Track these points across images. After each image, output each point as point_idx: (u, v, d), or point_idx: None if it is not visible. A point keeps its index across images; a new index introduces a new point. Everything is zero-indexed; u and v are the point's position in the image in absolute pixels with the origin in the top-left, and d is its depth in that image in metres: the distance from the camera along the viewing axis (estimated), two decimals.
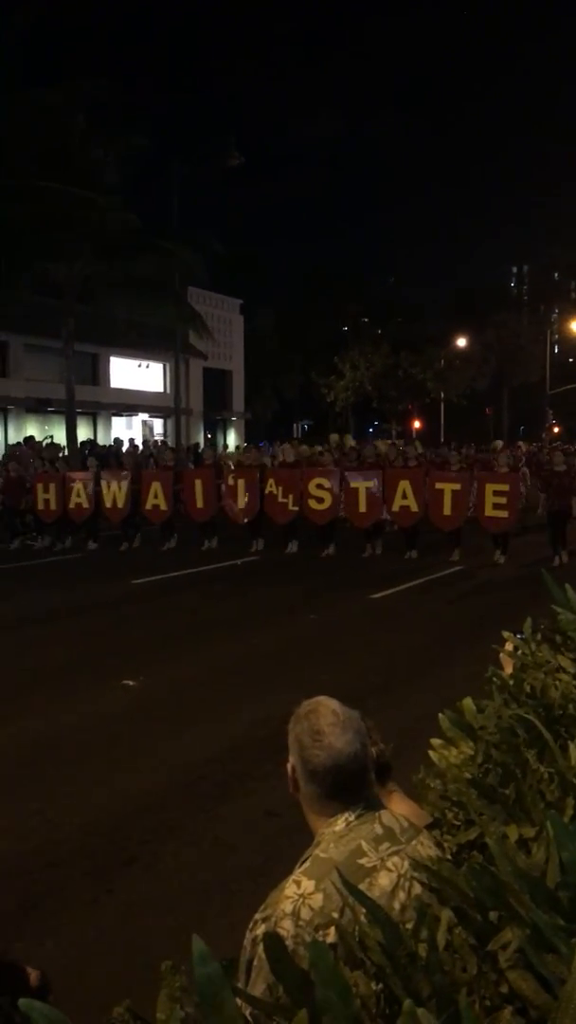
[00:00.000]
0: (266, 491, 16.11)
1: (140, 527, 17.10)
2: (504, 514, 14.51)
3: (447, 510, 14.90)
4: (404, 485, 15.32)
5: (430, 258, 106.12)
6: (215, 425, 43.58)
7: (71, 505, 16.91)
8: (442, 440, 44.59)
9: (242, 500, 16.20)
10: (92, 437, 32.53)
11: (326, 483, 15.96)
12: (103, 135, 22.67)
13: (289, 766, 2.15)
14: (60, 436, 27.63)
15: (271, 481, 16.22)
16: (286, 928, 1.91)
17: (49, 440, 25.53)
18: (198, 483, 16.65)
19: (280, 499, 16.00)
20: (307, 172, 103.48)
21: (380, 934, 1.25)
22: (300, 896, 1.94)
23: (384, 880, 1.96)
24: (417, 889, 1.96)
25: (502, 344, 53.39)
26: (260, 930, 2.01)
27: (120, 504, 16.79)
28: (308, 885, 1.95)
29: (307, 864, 2.03)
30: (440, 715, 2.40)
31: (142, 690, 7.70)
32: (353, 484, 15.70)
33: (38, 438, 26.49)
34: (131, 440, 30.60)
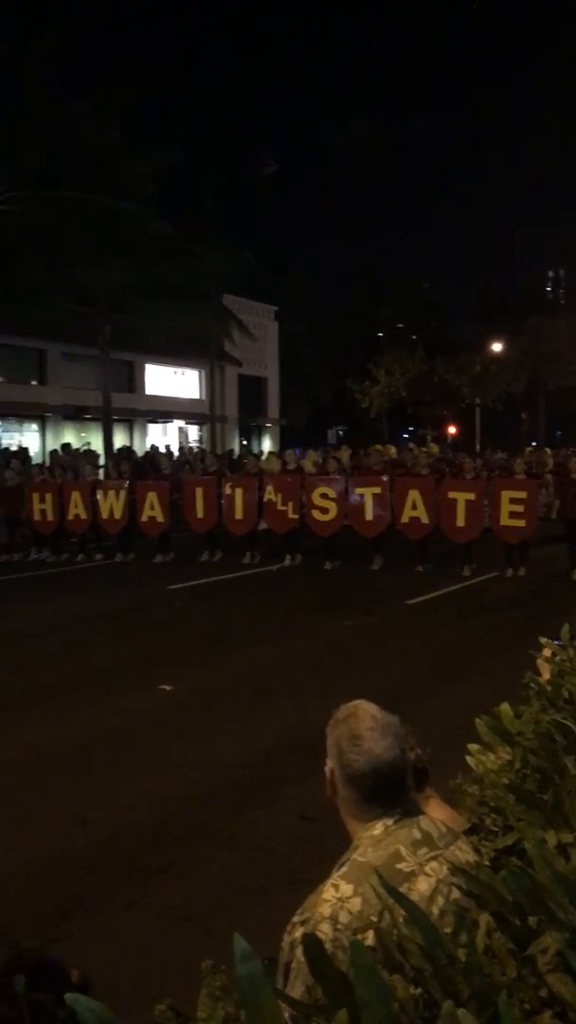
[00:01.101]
0: (265, 499, 15.33)
1: (132, 539, 16.30)
2: (521, 523, 13.57)
3: (460, 521, 13.99)
4: (414, 495, 14.36)
5: (465, 262, 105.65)
6: (250, 432, 43.71)
7: (69, 516, 16.39)
8: (478, 447, 44.34)
9: (239, 510, 15.45)
10: (128, 444, 32.77)
11: (331, 492, 15.02)
12: (138, 144, 22.88)
13: (327, 769, 2.16)
14: (97, 443, 27.87)
15: (269, 488, 15.43)
16: (324, 931, 1.92)
17: (86, 447, 25.75)
18: (199, 492, 15.93)
19: (279, 507, 15.24)
20: (340, 176, 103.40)
21: (420, 936, 1.25)
22: (338, 900, 1.95)
23: (423, 885, 1.96)
24: (455, 894, 1.96)
25: (538, 348, 52.99)
26: (298, 933, 2.02)
27: (117, 515, 16.18)
28: (346, 889, 1.96)
29: (345, 868, 2.04)
30: (477, 720, 2.40)
31: (179, 694, 7.74)
32: (359, 491, 14.83)
33: (75, 445, 26.72)
34: (167, 447, 30.81)
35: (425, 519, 14.20)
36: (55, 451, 25.44)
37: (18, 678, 8.34)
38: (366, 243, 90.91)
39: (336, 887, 1.98)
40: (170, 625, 10.89)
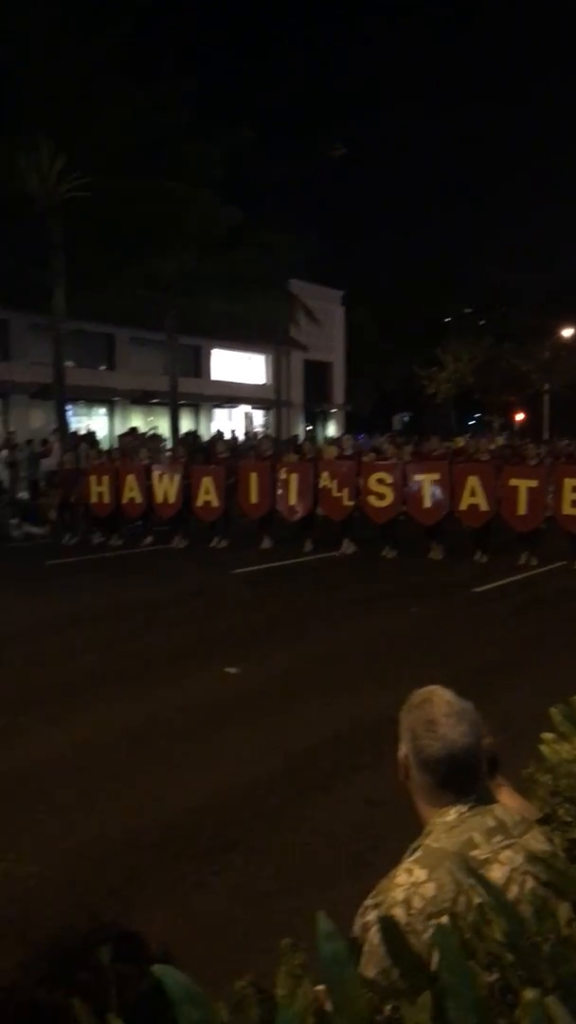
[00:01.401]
0: (320, 485, 15.06)
1: (189, 523, 16.24)
2: None
3: (522, 509, 13.53)
4: (473, 481, 13.92)
5: (534, 246, 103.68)
6: (315, 417, 43.66)
7: (124, 500, 16.27)
8: (546, 434, 43.67)
9: (294, 496, 15.21)
10: (194, 428, 33.01)
11: (388, 478, 14.65)
12: (207, 130, 22.94)
13: (400, 754, 2.15)
14: (164, 428, 28.13)
15: (325, 474, 15.15)
16: (397, 916, 1.92)
17: (153, 431, 26.01)
18: (253, 477, 15.68)
19: (335, 493, 14.93)
20: (409, 160, 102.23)
21: (503, 923, 1.25)
22: (412, 885, 1.95)
23: (497, 873, 1.96)
24: (531, 883, 1.94)
25: None
26: (371, 916, 2.03)
27: (171, 499, 16.05)
28: (420, 874, 1.96)
29: (419, 853, 2.03)
30: (552, 709, 2.38)
31: (244, 677, 7.81)
32: (416, 477, 14.47)
33: (142, 429, 27.01)
34: (232, 432, 30.98)
35: (484, 506, 13.78)
36: (122, 435, 25.78)
37: (87, 659, 8.48)
38: (434, 227, 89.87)
39: (410, 872, 1.98)
40: (234, 610, 10.97)
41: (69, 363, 23.38)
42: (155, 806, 5.11)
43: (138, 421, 30.73)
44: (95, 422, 31.61)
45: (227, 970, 1.85)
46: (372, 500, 14.62)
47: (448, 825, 2.03)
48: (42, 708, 6.92)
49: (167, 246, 22.68)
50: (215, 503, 15.72)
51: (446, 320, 52.78)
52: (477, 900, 1.91)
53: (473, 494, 13.88)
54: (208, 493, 15.74)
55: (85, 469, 17.17)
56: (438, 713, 2.09)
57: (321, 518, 15.44)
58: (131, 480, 16.30)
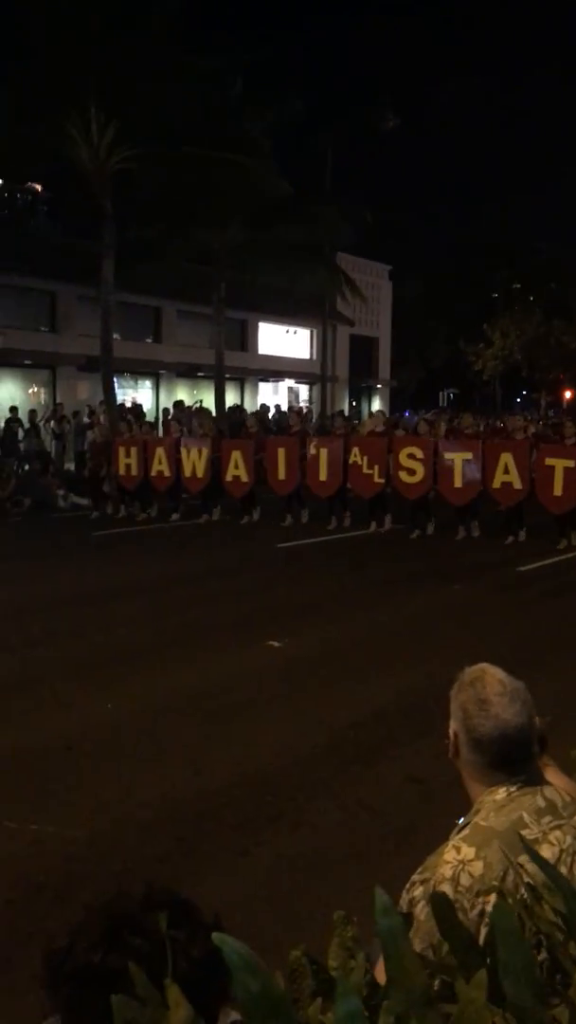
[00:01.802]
0: (350, 461, 14.76)
1: (219, 499, 16.11)
2: None
3: (558, 490, 13.02)
4: (506, 458, 13.54)
5: None
6: (360, 393, 43.45)
7: (152, 472, 16.17)
8: None
9: (324, 472, 14.97)
10: (239, 402, 33.03)
11: (419, 453, 14.30)
12: (258, 100, 22.72)
13: (451, 732, 2.15)
14: (209, 401, 28.18)
15: (355, 450, 14.82)
16: (444, 892, 1.93)
17: (199, 404, 26.07)
18: (281, 452, 15.49)
19: (366, 470, 14.63)
20: (459, 133, 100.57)
21: (560, 902, 1.24)
22: (460, 862, 1.95)
23: (546, 853, 1.95)
24: None
25: None
26: (418, 892, 2.04)
27: (200, 473, 15.86)
28: (468, 852, 1.96)
29: (467, 831, 2.03)
30: None
31: (287, 651, 7.84)
32: (448, 456, 14.08)
33: (188, 403, 27.09)
34: (278, 406, 30.93)
35: (518, 484, 13.41)
36: (167, 408, 25.88)
37: (132, 632, 8.57)
38: (485, 203, 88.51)
39: (458, 849, 1.98)
40: (275, 585, 11.00)
41: (115, 335, 23.45)
42: (198, 777, 5.16)
43: (184, 394, 30.82)
44: (141, 395, 31.75)
45: (273, 939, 1.86)
46: (403, 475, 14.36)
47: (497, 804, 2.03)
48: (87, 678, 7.02)
49: (216, 218, 22.60)
50: (244, 478, 15.58)
51: (494, 296, 52.11)
52: (526, 879, 1.91)
53: (507, 471, 13.53)
54: (237, 468, 15.60)
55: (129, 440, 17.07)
56: (490, 692, 2.09)
57: (353, 495, 15.26)
58: (160, 453, 16.17)
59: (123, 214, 21.27)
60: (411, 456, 14.33)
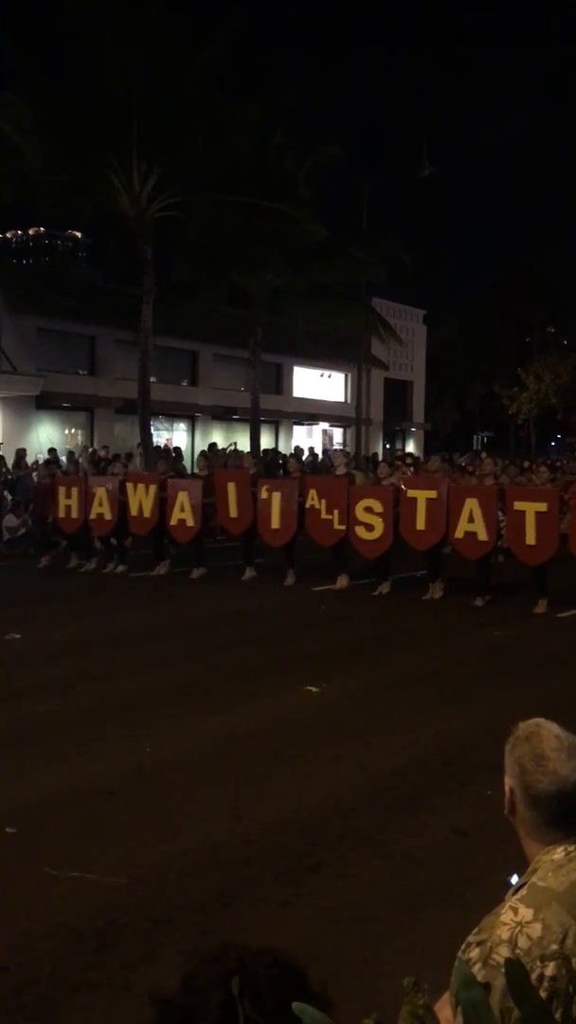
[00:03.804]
0: (307, 505, 13.22)
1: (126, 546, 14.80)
2: None
3: (531, 538, 11.69)
4: (472, 505, 12.02)
5: None
6: (394, 436, 43.53)
7: (92, 516, 14.66)
8: None
9: (276, 519, 13.37)
10: (274, 445, 33.20)
11: (377, 506, 12.63)
12: (298, 147, 23.12)
13: (507, 788, 2.12)
14: (244, 443, 28.36)
15: (312, 492, 13.27)
16: (502, 955, 1.89)
17: (233, 447, 26.23)
18: (231, 487, 13.89)
19: (324, 515, 13.05)
20: (496, 178, 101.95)
21: None
22: (517, 924, 1.90)
23: None
24: None
25: None
26: (474, 953, 1.99)
27: (147, 513, 14.28)
28: (526, 913, 1.91)
29: (524, 891, 1.99)
30: None
31: (326, 696, 7.78)
32: (411, 494, 12.65)
33: (221, 445, 27.28)
34: (311, 448, 31.00)
35: (483, 535, 11.94)
36: (203, 451, 26.05)
37: (164, 674, 8.55)
38: (522, 245, 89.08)
39: (515, 910, 1.94)
40: (317, 627, 10.96)
41: (152, 379, 23.74)
42: (239, 823, 5.11)
43: (218, 437, 31.04)
44: (176, 437, 32.03)
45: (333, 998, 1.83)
46: (360, 531, 12.81)
47: (556, 864, 1.98)
48: (124, 721, 7.00)
49: (255, 263, 22.92)
50: (190, 522, 13.99)
51: (527, 339, 52.19)
52: None
53: (471, 520, 12.03)
54: (183, 510, 14.00)
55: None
56: (547, 748, 2.06)
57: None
58: (101, 494, 14.69)
59: (162, 259, 21.67)
60: (368, 510, 12.73)
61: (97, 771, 5.90)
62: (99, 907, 4.17)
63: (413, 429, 44.10)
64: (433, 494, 12.53)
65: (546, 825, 2.04)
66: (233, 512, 13.92)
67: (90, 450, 25.27)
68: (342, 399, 38.92)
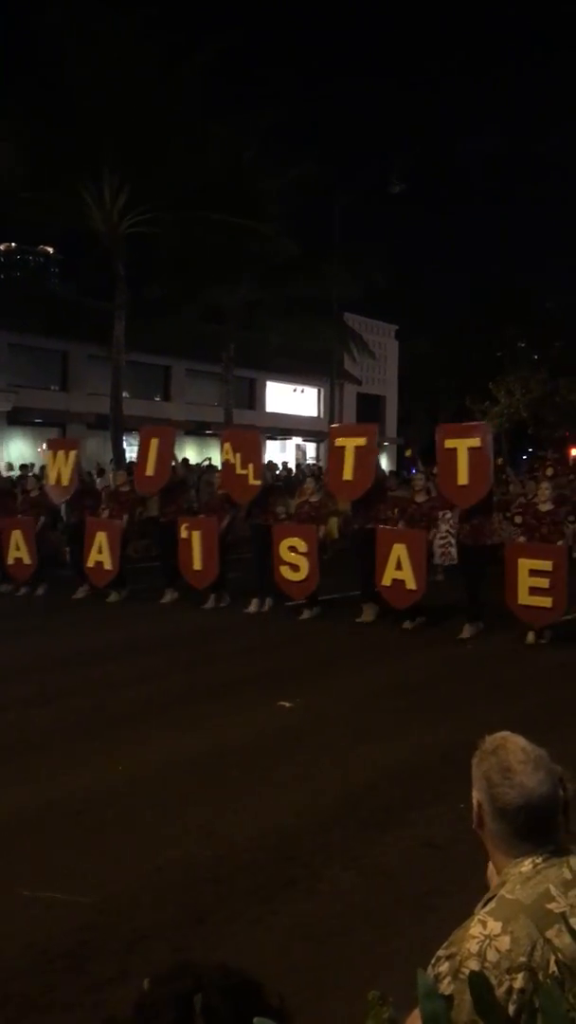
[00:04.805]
0: (223, 459, 12.88)
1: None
2: (547, 602, 10.27)
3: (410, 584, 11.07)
4: (399, 551, 11.13)
5: None
6: None
7: (10, 562, 13.87)
8: None
9: (198, 560, 12.49)
10: None
11: (301, 546, 11.88)
12: (272, 164, 23.26)
13: (474, 802, 2.13)
14: (217, 459, 28.35)
15: (227, 447, 12.79)
16: (471, 969, 1.90)
17: (207, 462, 26.21)
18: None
19: (239, 470, 12.47)
20: (470, 193, 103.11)
21: None
22: (486, 937, 1.91)
23: (573, 926, 1.92)
24: None
25: None
26: (444, 967, 2.00)
27: (64, 482, 13.78)
28: (494, 926, 1.92)
29: (492, 904, 2.00)
30: None
31: (298, 712, 7.77)
32: (339, 442, 12.03)
33: (194, 460, 27.24)
34: (285, 463, 31.04)
35: (412, 584, 11.14)
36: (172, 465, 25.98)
37: (137, 690, 8.50)
38: (492, 261, 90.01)
39: (484, 923, 1.94)
40: (288, 642, 10.94)
41: (125, 394, 23.70)
42: (210, 841, 5.09)
43: (191, 452, 31.01)
44: None
45: (296, 1012, 1.83)
46: (285, 572, 12.04)
47: (523, 876, 2.00)
48: (96, 739, 6.94)
49: (227, 278, 22.99)
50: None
51: (498, 354, 52.60)
52: (555, 954, 1.88)
53: (399, 567, 11.18)
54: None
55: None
56: (513, 760, 2.07)
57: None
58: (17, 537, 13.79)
59: (135, 274, 21.68)
60: (292, 549, 12.01)
61: (68, 790, 5.85)
62: (70, 927, 4.13)
63: (386, 444, 44.27)
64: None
65: (514, 837, 2.05)
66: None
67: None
68: (315, 414, 39.05)
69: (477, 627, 11.01)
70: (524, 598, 10.45)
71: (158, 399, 32.54)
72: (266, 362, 32.17)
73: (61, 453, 13.91)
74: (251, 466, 12.34)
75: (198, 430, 32.86)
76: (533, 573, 10.37)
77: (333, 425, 19.20)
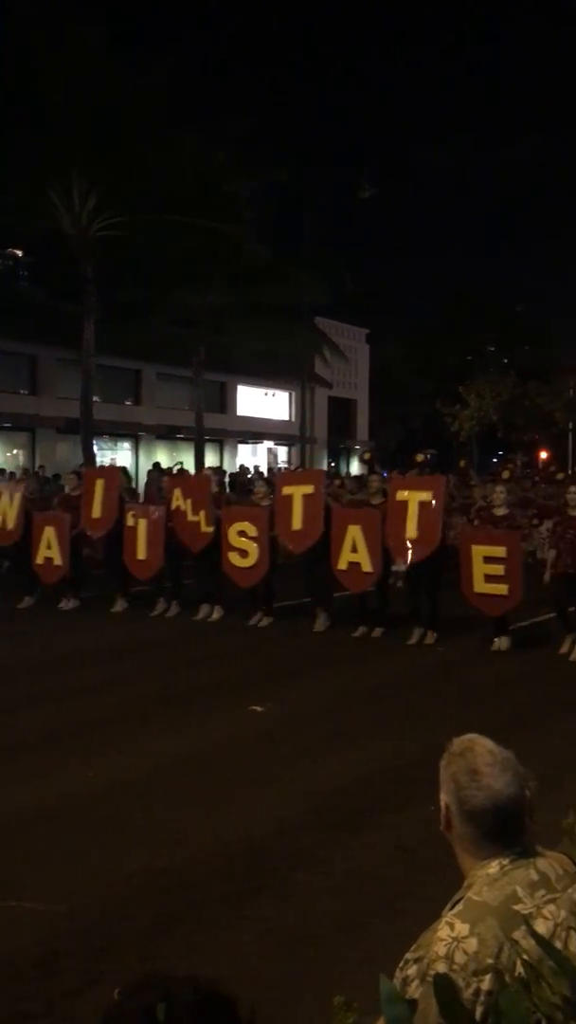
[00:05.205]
0: (173, 506, 12.34)
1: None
2: (503, 589, 10.26)
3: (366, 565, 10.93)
4: (354, 532, 10.96)
5: (565, 286, 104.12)
6: (339, 453, 43.81)
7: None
8: (569, 471, 43.46)
9: (143, 549, 12.22)
10: (219, 464, 33.19)
11: (251, 530, 11.59)
12: (243, 169, 23.25)
13: (442, 804, 2.13)
14: (188, 463, 28.30)
15: (177, 492, 12.46)
16: (439, 971, 1.90)
17: (179, 466, 26.17)
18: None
19: (190, 517, 12.14)
20: (440, 198, 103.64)
21: (564, 983, 1.23)
22: (454, 939, 1.91)
23: (540, 928, 1.92)
24: (575, 939, 1.92)
25: None
26: (411, 970, 2.00)
27: (10, 525, 13.15)
28: (462, 928, 1.92)
29: (460, 907, 2.00)
30: None
31: (270, 716, 7.76)
32: (286, 491, 11.66)
33: (166, 464, 27.20)
34: (256, 467, 31.04)
35: (368, 567, 10.98)
36: (150, 470, 25.94)
37: (112, 695, 8.46)
38: (463, 265, 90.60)
39: (451, 926, 1.94)
40: (260, 647, 10.92)
41: (95, 398, 23.60)
42: (181, 847, 5.06)
43: (163, 456, 30.94)
44: (120, 456, 31.85)
45: (266, 1018, 1.82)
46: (233, 558, 11.74)
47: (490, 878, 2.00)
48: (65, 745, 6.90)
49: (197, 282, 22.98)
50: (57, 561, 12.80)
51: (468, 358, 52.94)
52: (520, 956, 1.89)
53: (354, 549, 11.03)
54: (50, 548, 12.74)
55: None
56: (480, 763, 2.08)
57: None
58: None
59: (105, 278, 21.59)
60: (242, 534, 11.68)
61: (37, 797, 5.80)
62: (40, 936, 4.09)
63: (357, 447, 44.42)
64: (310, 488, 11.55)
65: (482, 839, 2.05)
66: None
67: (32, 471, 25.00)
68: (286, 417, 39.12)
69: (429, 635, 10.95)
70: (480, 586, 10.36)
71: (129, 403, 32.44)
72: (237, 366, 32.19)
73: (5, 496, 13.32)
74: (202, 512, 12.02)
75: (169, 434, 32.79)
76: (488, 560, 10.30)
77: (281, 468, 18.37)
